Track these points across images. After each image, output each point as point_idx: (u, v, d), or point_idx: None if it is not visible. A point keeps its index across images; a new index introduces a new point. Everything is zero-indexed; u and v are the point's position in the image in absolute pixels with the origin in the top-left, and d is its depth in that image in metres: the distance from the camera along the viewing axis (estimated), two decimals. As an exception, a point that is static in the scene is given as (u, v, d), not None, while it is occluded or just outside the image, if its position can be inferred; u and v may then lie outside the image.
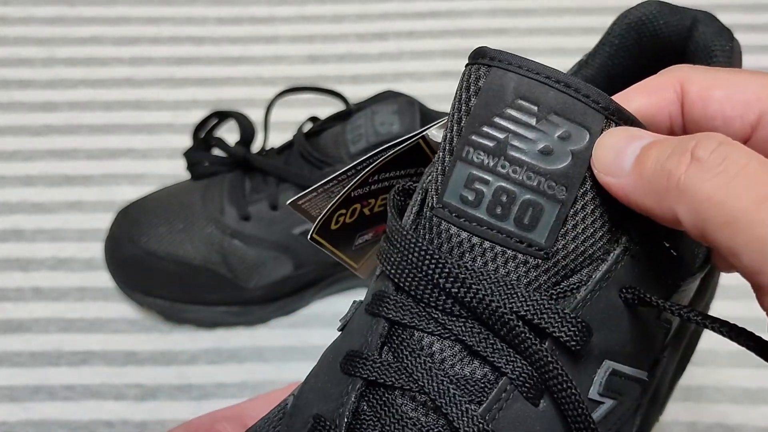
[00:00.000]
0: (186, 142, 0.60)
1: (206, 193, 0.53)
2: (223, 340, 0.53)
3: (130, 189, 0.61)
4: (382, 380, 0.22)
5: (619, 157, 0.21)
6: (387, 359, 0.23)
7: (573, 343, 0.22)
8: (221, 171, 0.54)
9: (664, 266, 0.24)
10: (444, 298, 0.22)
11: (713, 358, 0.51)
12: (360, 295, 0.54)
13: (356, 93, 0.62)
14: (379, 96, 0.55)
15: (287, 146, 0.55)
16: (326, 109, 0.61)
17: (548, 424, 0.22)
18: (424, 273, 0.22)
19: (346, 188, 0.29)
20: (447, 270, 0.22)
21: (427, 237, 0.23)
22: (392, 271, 0.23)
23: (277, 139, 0.60)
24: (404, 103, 0.52)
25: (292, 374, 0.52)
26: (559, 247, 0.22)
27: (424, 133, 0.26)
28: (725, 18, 0.32)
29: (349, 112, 0.54)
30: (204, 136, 0.55)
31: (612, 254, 0.23)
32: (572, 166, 0.21)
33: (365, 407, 0.23)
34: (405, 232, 0.23)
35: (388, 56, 0.69)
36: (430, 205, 0.23)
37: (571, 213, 0.22)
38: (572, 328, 0.22)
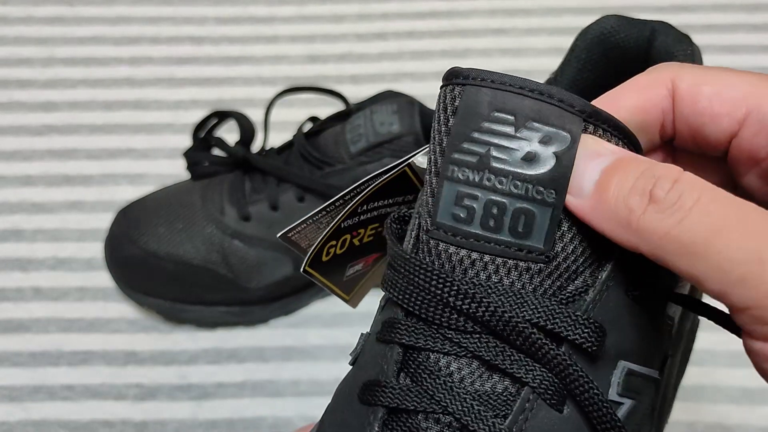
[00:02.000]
0: (186, 142, 0.60)
1: (206, 193, 0.53)
2: (223, 340, 0.53)
3: (130, 189, 0.61)
4: (404, 405, 0.22)
5: (578, 178, 0.21)
6: (406, 384, 0.23)
7: (588, 344, 0.22)
8: (221, 171, 0.54)
9: None
10: (456, 316, 0.22)
11: (712, 358, 0.51)
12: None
13: (356, 93, 0.62)
14: (378, 96, 0.55)
15: (287, 146, 0.55)
16: (326, 109, 0.61)
17: (574, 429, 0.22)
18: (432, 294, 0.22)
19: (336, 219, 0.29)
20: (456, 287, 0.22)
21: (427, 259, 0.23)
22: (400, 297, 0.23)
23: (277, 139, 0.60)
24: (404, 103, 0.52)
25: (292, 374, 0.52)
26: (558, 249, 0.22)
27: (410, 160, 0.27)
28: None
29: (349, 112, 0.54)
30: (204, 136, 0.55)
31: (615, 251, 0.23)
32: (557, 169, 0.21)
33: None
34: (408, 257, 0.23)
35: (388, 56, 0.69)
36: (425, 228, 0.23)
37: (564, 215, 0.22)
38: (586, 330, 0.22)
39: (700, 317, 0.34)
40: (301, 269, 0.30)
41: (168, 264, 0.51)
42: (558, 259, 0.22)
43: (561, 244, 0.22)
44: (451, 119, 0.22)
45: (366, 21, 0.72)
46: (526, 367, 0.22)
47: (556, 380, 0.22)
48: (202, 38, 0.71)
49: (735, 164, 0.24)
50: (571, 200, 0.22)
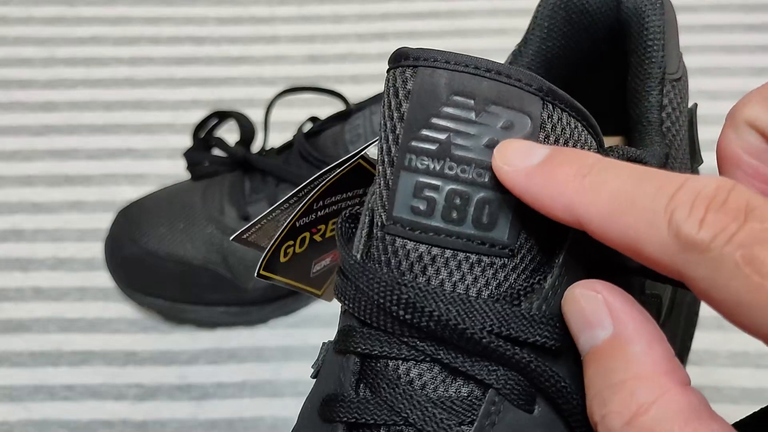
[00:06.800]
0: (186, 142, 0.60)
1: (206, 193, 0.53)
2: (223, 340, 0.53)
3: (130, 189, 0.61)
4: (364, 420, 0.21)
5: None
6: (365, 396, 0.21)
7: (551, 342, 0.20)
8: (221, 171, 0.54)
9: None
10: (405, 327, 0.20)
11: (713, 358, 0.51)
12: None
13: (356, 93, 0.62)
14: (379, 96, 0.55)
15: (287, 146, 0.55)
16: (326, 109, 0.61)
17: (546, 429, 0.21)
18: (376, 303, 0.21)
19: (290, 218, 0.27)
20: (396, 296, 0.20)
21: (382, 259, 0.21)
22: (351, 305, 0.21)
23: (277, 139, 0.60)
24: (404, 103, 0.52)
25: (292, 374, 0.52)
26: (522, 241, 0.21)
27: (363, 153, 0.25)
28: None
29: (349, 112, 0.54)
30: (204, 136, 0.55)
31: (570, 232, 0.21)
32: None
33: None
34: (353, 261, 0.21)
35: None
36: (379, 224, 0.21)
37: (525, 208, 0.20)
38: (545, 328, 0.20)
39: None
40: (255, 274, 0.28)
41: (168, 264, 0.51)
42: (522, 252, 0.21)
43: (524, 235, 0.21)
44: (404, 104, 0.21)
45: (366, 21, 0.72)
46: (489, 368, 0.20)
47: (521, 379, 0.20)
48: (202, 38, 0.71)
49: None
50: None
